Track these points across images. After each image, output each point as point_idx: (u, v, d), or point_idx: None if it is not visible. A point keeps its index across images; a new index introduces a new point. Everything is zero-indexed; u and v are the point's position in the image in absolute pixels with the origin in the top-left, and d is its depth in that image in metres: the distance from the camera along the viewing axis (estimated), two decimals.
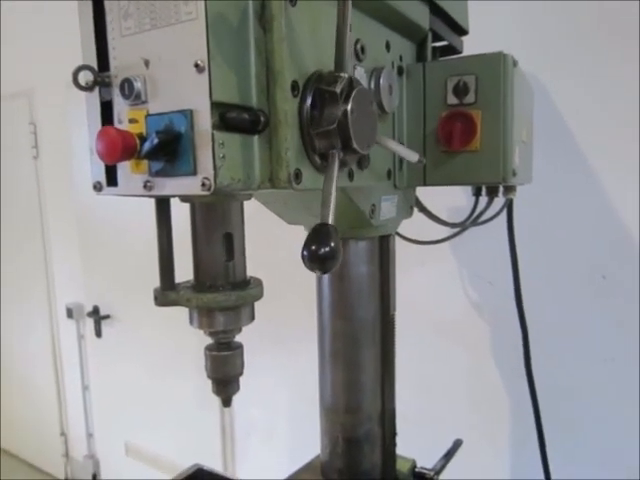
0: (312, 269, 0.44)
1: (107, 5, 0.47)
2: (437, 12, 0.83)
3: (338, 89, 0.46)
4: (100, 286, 2.59)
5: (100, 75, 0.45)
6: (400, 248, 0.85)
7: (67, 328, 2.77)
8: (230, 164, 0.43)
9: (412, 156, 0.54)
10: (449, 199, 1.24)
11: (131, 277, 2.38)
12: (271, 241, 1.61)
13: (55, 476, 3.04)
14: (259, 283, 0.58)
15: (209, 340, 0.60)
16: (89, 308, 2.60)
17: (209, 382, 0.60)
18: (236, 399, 0.62)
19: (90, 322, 2.61)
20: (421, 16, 0.77)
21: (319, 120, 0.47)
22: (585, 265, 1.27)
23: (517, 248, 0.97)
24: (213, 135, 0.42)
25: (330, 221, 0.44)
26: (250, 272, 0.61)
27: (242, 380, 0.62)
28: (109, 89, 0.46)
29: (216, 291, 0.53)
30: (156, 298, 0.55)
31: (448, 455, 0.95)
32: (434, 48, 0.88)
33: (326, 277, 0.81)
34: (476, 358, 1.42)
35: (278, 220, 0.78)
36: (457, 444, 0.96)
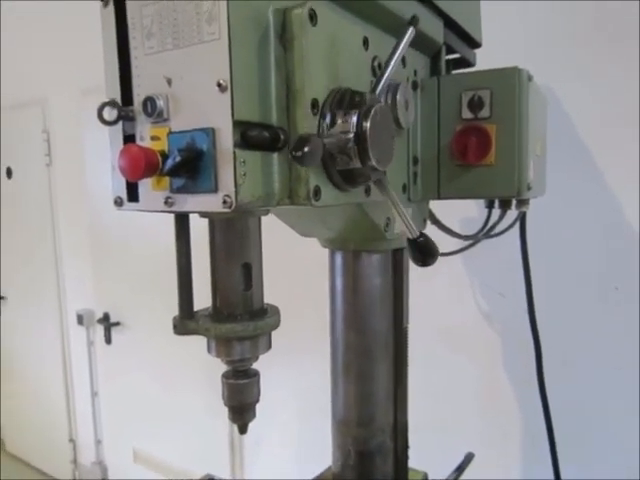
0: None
1: (130, 24, 0.47)
2: (451, 26, 0.83)
3: (358, 107, 0.47)
4: (111, 293, 2.60)
5: (124, 109, 0.46)
6: None
7: (77, 334, 2.79)
8: (251, 181, 0.44)
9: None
10: (462, 211, 1.24)
11: (142, 285, 2.40)
12: (284, 252, 1.62)
13: None
14: (276, 311, 0.58)
15: None
16: (99, 315, 2.62)
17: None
18: None
19: (100, 329, 2.62)
20: (436, 30, 0.77)
21: (338, 137, 0.47)
22: (597, 276, 1.27)
23: (529, 259, 0.97)
24: (235, 153, 0.42)
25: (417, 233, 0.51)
26: (263, 282, 0.61)
27: None
28: (132, 123, 0.47)
29: (234, 321, 0.54)
30: (175, 327, 0.55)
31: (460, 469, 0.94)
32: (447, 61, 0.88)
33: (339, 289, 0.81)
34: (487, 369, 1.42)
35: (291, 231, 0.78)
36: (469, 458, 0.96)
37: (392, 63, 0.52)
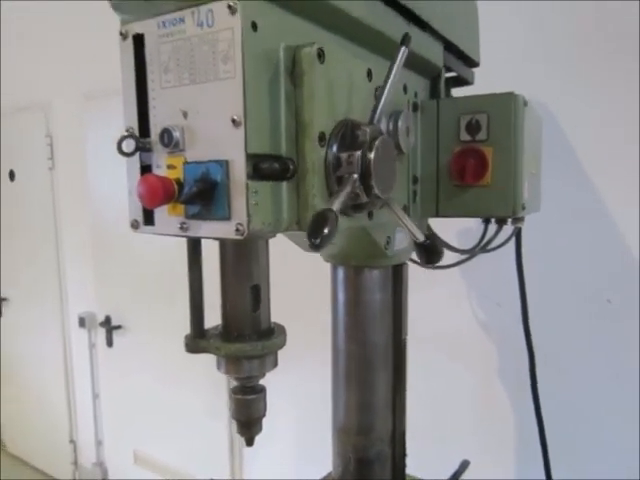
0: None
1: (148, 59, 0.50)
2: (450, 48, 0.86)
3: (362, 139, 0.50)
4: (112, 297, 2.63)
5: (141, 141, 0.49)
6: (410, 268, 0.88)
7: (79, 337, 2.82)
8: (261, 210, 0.47)
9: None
10: (459, 222, 1.28)
11: (143, 289, 2.43)
12: (287, 264, 1.65)
13: None
14: (282, 331, 0.61)
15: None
16: (101, 318, 2.65)
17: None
18: None
19: (102, 332, 2.65)
20: (436, 55, 0.80)
21: (344, 167, 0.50)
22: (590, 289, 1.30)
23: (524, 271, 1.00)
24: (247, 185, 0.45)
25: (422, 237, 0.55)
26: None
27: None
28: (149, 154, 0.49)
29: (243, 340, 0.57)
30: (187, 345, 0.58)
31: (455, 475, 0.97)
32: (446, 79, 0.91)
33: (341, 302, 0.84)
34: (483, 377, 1.45)
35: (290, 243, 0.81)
36: (464, 465, 0.99)
37: (387, 87, 0.53)
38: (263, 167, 0.46)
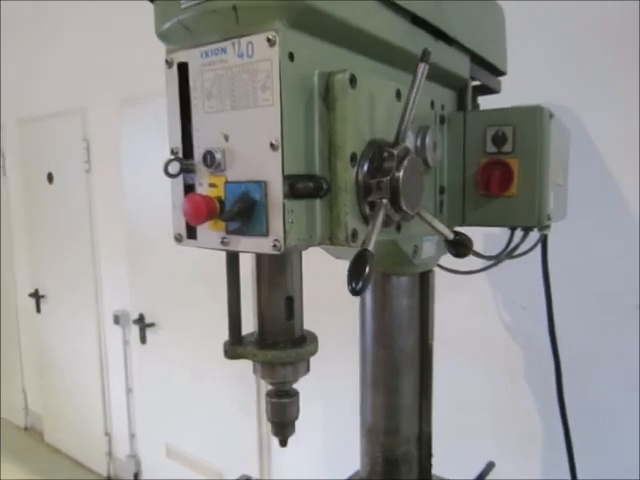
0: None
1: (192, 85, 0.54)
2: (477, 60, 0.88)
3: (392, 159, 0.53)
4: (146, 295, 2.71)
5: (185, 163, 0.53)
6: (436, 273, 0.90)
7: (113, 334, 2.91)
8: (297, 227, 0.50)
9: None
10: (485, 228, 1.29)
11: (175, 288, 2.50)
12: (316, 269, 1.68)
13: (99, 473, 3.19)
14: (314, 339, 0.64)
15: None
16: (135, 316, 2.73)
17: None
18: None
19: (135, 329, 2.74)
20: (463, 67, 0.82)
21: (374, 193, 0.53)
22: (618, 294, 1.30)
23: (550, 275, 1.01)
24: (284, 204, 0.49)
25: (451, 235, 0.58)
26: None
27: None
28: (192, 175, 0.53)
29: (278, 348, 0.61)
30: (226, 351, 0.62)
31: (480, 477, 0.99)
32: (473, 87, 0.93)
33: (369, 308, 0.87)
34: (508, 380, 1.46)
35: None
36: (489, 466, 1.01)
37: (410, 105, 0.54)
38: (299, 187, 0.50)
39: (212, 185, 0.54)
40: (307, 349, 0.62)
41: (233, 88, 0.51)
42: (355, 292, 0.46)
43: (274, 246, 0.49)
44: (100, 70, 2.71)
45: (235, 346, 0.62)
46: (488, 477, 0.99)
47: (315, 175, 0.52)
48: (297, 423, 0.67)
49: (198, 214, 0.50)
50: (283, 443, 0.65)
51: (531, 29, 1.34)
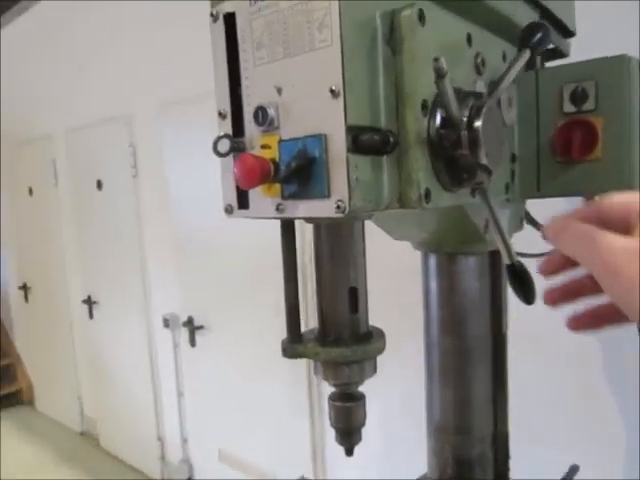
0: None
1: (240, 37, 0.49)
2: (546, 16, 0.80)
3: (469, 107, 0.46)
4: (195, 298, 2.71)
5: (235, 141, 0.47)
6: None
7: (163, 337, 2.92)
8: (362, 186, 0.44)
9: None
10: (555, 210, 1.19)
11: (224, 290, 2.48)
12: (376, 254, 1.62)
13: (152, 477, 3.21)
14: (381, 335, 0.57)
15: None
16: (184, 319, 2.73)
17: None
18: None
19: (185, 332, 2.74)
20: None
21: (449, 138, 0.46)
22: None
23: None
24: (348, 158, 0.42)
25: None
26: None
27: None
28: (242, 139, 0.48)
29: (342, 345, 0.54)
30: (284, 350, 0.55)
31: None
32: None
33: (434, 293, 0.80)
34: (586, 375, 1.34)
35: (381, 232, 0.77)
36: (573, 470, 0.91)
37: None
38: (363, 139, 0.43)
39: (265, 146, 0.48)
40: (375, 346, 0.55)
41: (286, 33, 0.45)
42: (529, 302, 0.49)
43: (338, 207, 0.43)
44: (143, 77, 2.74)
45: (294, 344, 0.55)
46: None
47: (381, 128, 0.46)
48: None
49: (251, 175, 0.45)
50: (349, 452, 0.58)
51: None
